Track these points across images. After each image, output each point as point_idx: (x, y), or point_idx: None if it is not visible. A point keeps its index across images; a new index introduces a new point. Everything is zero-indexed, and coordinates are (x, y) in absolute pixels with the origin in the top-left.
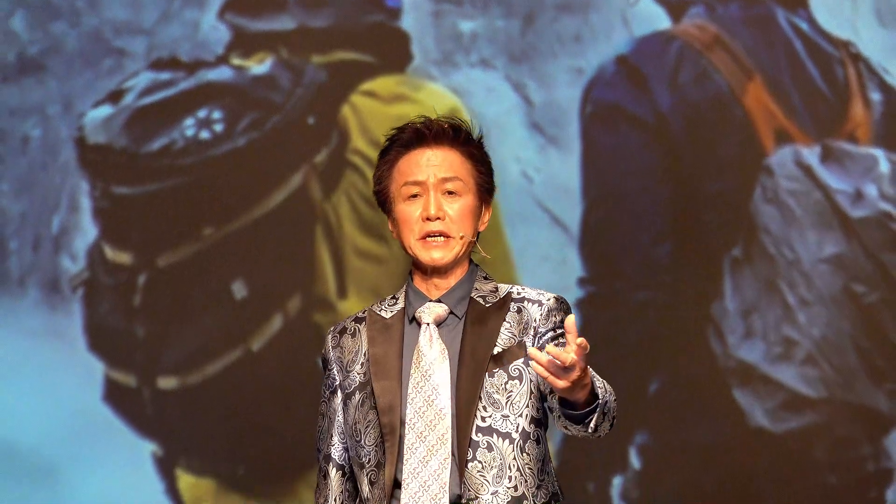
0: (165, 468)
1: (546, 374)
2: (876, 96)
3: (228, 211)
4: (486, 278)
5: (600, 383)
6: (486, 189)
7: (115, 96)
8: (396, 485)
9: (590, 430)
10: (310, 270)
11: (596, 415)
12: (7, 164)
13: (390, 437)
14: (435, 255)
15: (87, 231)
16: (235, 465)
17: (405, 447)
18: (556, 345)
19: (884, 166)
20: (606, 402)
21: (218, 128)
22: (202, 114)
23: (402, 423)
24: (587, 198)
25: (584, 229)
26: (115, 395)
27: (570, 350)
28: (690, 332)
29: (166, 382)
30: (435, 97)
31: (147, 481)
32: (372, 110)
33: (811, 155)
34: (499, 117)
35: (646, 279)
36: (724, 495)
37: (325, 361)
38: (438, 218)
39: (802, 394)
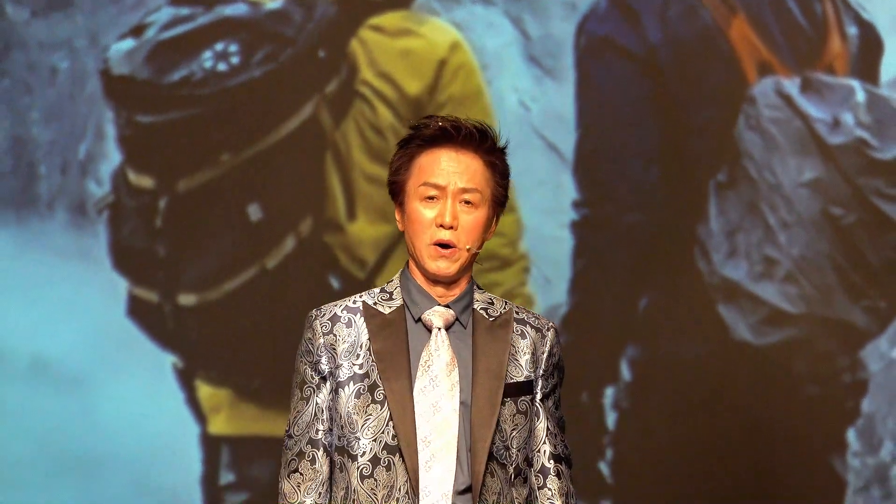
0: (185, 379)
1: None
2: (852, 30)
3: (244, 138)
4: (478, 288)
5: None
6: (500, 201)
7: (137, 30)
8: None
9: None
10: (321, 194)
11: None
12: (37, 94)
13: (405, 437)
14: (441, 264)
15: (112, 157)
16: (251, 377)
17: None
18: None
19: (860, 96)
20: None
21: (234, 60)
22: (219, 47)
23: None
24: (581, 125)
25: (577, 155)
26: (138, 311)
27: None
28: (678, 252)
29: (186, 299)
30: (438, 31)
31: (168, 391)
32: (379, 44)
33: (791, 85)
34: (498, 50)
35: (636, 202)
36: (709, 405)
37: (313, 346)
38: (451, 227)
39: (783, 310)
